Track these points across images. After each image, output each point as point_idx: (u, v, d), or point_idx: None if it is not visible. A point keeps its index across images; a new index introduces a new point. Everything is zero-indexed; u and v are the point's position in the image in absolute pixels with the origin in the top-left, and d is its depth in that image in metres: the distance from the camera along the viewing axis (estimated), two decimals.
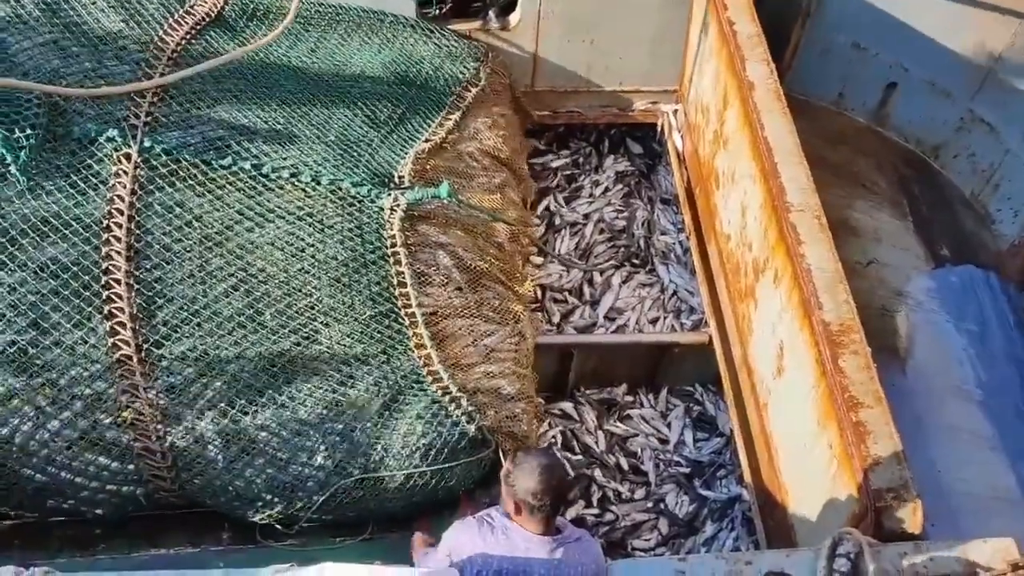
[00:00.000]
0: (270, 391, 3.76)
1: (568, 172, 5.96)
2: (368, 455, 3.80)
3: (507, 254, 4.70)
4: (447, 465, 3.89)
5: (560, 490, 3.02)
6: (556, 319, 5.18)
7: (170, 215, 3.95)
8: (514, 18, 5.41)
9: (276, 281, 3.94)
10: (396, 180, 4.27)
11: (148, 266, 3.83)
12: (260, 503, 3.83)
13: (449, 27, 5.30)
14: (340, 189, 4.19)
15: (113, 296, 3.72)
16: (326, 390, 3.80)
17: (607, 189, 5.87)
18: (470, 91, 5.00)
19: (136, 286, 3.77)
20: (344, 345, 3.88)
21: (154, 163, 4.02)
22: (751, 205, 4.36)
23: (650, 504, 4.75)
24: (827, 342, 3.51)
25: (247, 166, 4.11)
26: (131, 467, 3.72)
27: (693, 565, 3.00)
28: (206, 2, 4.67)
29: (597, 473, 4.82)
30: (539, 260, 5.42)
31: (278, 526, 3.88)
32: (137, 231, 3.88)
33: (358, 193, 4.19)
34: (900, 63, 5.71)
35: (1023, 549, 3.02)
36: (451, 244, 4.34)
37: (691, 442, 4.95)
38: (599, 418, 5.02)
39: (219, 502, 3.87)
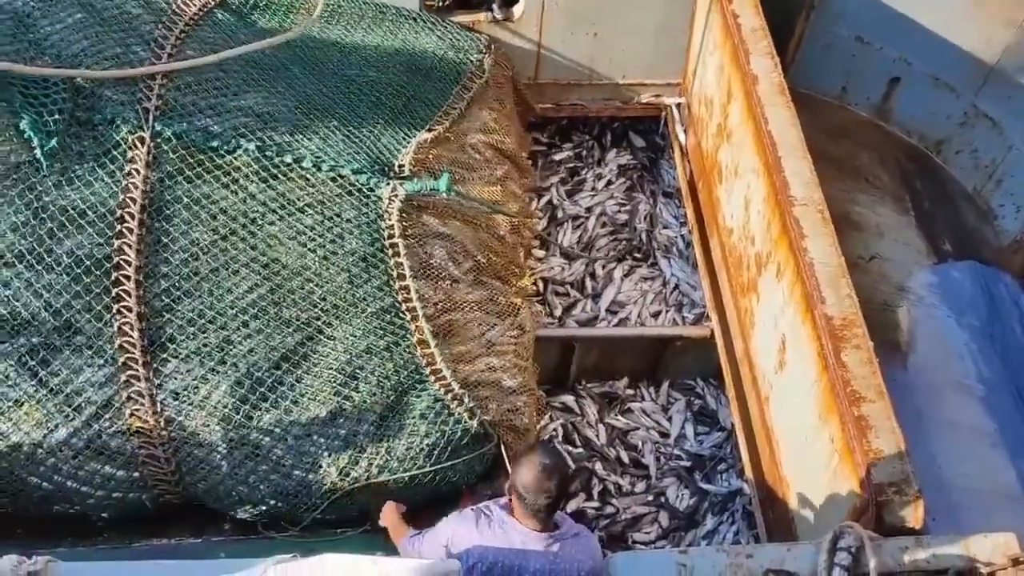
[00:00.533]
0: (275, 396, 3.74)
1: (571, 165, 5.95)
2: (372, 460, 3.80)
3: (508, 246, 4.69)
4: (450, 463, 3.90)
5: (560, 489, 3.03)
6: (558, 312, 5.18)
7: (179, 205, 3.92)
8: (518, 10, 5.40)
9: (283, 275, 3.92)
10: (396, 169, 4.23)
11: (157, 262, 3.81)
12: (264, 507, 3.84)
13: (453, 19, 5.29)
14: (340, 176, 4.15)
15: (123, 294, 3.70)
16: (329, 393, 3.78)
17: (609, 182, 5.86)
18: (474, 82, 4.98)
19: (145, 283, 3.75)
20: (348, 344, 3.86)
21: (165, 147, 3.98)
22: (754, 199, 4.36)
23: (651, 497, 4.75)
24: (829, 336, 3.51)
25: (251, 147, 4.06)
26: (136, 474, 3.74)
27: (694, 558, 2.99)
28: None
29: (598, 466, 4.82)
30: (541, 253, 5.41)
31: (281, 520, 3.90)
32: (149, 222, 3.85)
33: (357, 181, 4.15)
34: (904, 57, 5.70)
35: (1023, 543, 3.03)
36: (451, 236, 4.33)
37: (692, 436, 4.95)
38: (600, 411, 5.02)
39: (222, 504, 3.88)
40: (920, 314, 5.25)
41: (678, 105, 5.80)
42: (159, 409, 3.66)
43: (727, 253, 4.85)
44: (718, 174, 4.99)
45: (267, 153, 4.08)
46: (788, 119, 4.24)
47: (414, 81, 4.80)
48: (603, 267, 5.41)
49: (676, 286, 5.34)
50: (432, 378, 3.89)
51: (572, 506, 4.63)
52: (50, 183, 3.79)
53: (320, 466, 3.77)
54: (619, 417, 5.01)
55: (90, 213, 3.77)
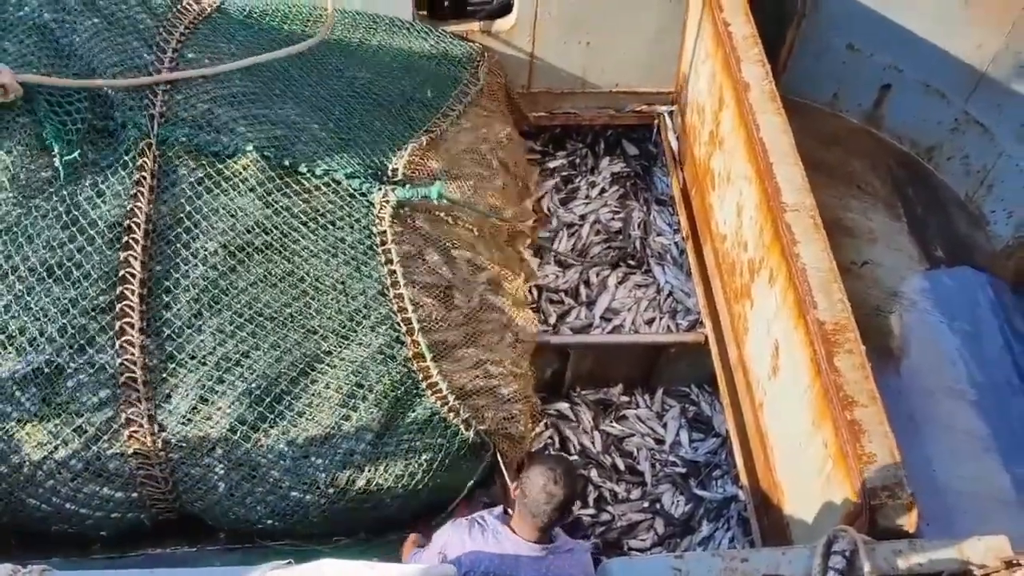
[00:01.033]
0: (273, 416, 3.73)
1: (564, 173, 5.97)
2: (370, 478, 3.80)
3: (502, 253, 4.71)
4: (448, 474, 3.91)
5: (567, 502, 3.05)
6: (552, 320, 5.19)
7: (182, 217, 3.88)
8: (511, 20, 5.43)
9: (282, 292, 3.88)
10: (390, 173, 4.21)
11: (160, 277, 3.78)
12: (260, 525, 3.84)
13: (446, 28, 5.32)
14: (335, 181, 4.12)
15: (127, 309, 3.67)
16: (328, 413, 3.77)
17: (603, 190, 5.88)
18: (468, 89, 5.00)
19: (149, 299, 3.72)
20: (345, 362, 3.84)
21: (169, 154, 3.95)
22: (746, 205, 4.38)
23: (646, 504, 4.76)
24: (822, 341, 3.53)
25: (251, 149, 4.02)
26: (135, 495, 3.74)
27: (689, 563, 3.00)
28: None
29: (593, 473, 4.83)
30: (536, 261, 5.42)
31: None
32: (154, 235, 3.82)
33: (350, 186, 4.12)
34: (894, 64, 5.73)
35: (1017, 547, 3.04)
36: (444, 242, 4.33)
37: (687, 442, 4.96)
38: (595, 418, 5.02)
39: (219, 522, 3.89)
40: (913, 319, 5.27)
41: (670, 113, 5.83)
42: (157, 430, 3.64)
43: (720, 260, 4.87)
44: (711, 181, 5.01)
45: (266, 154, 4.04)
46: (779, 126, 4.26)
47: (408, 87, 4.81)
48: (597, 274, 5.43)
49: (670, 293, 5.36)
50: (428, 391, 3.88)
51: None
52: (65, 193, 3.76)
53: (318, 486, 3.77)
54: (614, 424, 5.02)
55: (100, 223, 3.74)
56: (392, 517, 3.94)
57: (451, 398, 3.88)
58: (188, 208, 3.90)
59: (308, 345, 3.82)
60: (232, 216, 3.90)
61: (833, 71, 5.94)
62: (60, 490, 3.65)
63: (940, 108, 5.69)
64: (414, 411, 3.87)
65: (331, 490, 3.78)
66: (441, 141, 4.63)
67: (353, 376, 3.81)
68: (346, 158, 4.19)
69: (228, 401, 3.68)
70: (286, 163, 4.05)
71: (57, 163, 3.78)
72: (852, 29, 5.68)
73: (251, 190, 3.96)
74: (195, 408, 3.67)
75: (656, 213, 5.77)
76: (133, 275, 3.70)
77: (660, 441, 4.98)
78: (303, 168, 4.08)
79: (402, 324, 3.93)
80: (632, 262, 5.54)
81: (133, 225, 3.76)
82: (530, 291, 5.17)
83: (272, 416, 3.73)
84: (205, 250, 3.83)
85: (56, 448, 3.59)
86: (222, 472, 3.72)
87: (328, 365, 3.82)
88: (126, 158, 3.87)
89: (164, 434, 3.65)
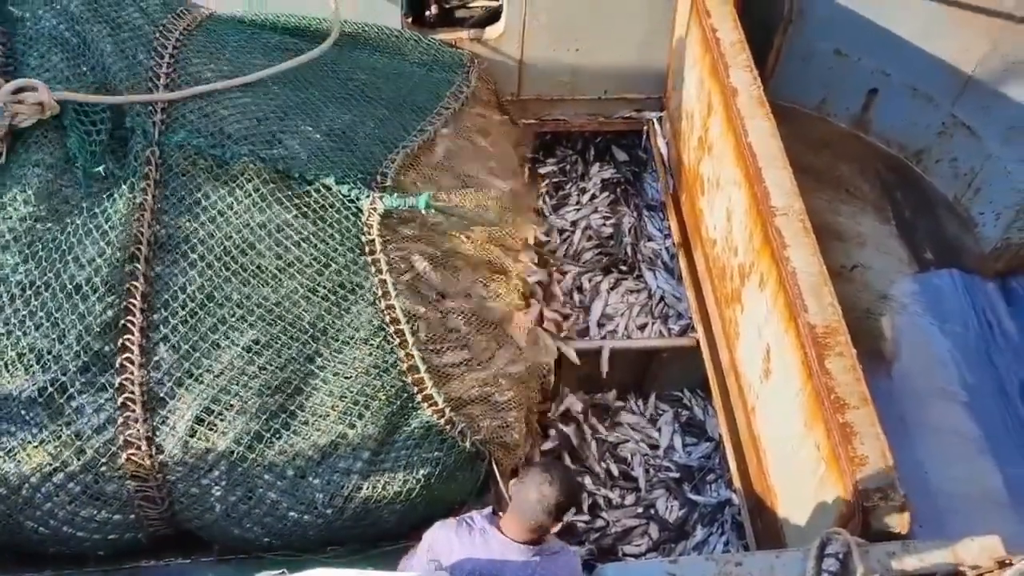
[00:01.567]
0: (269, 435, 3.70)
1: (555, 180, 5.98)
2: (368, 496, 3.78)
3: (495, 260, 4.70)
4: (444, 486, 3.90)
5: (555, 510, 3.03)
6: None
7: (182, 225, 3.84)
8: (499, 28, 5.44)
9: (277, 310, 3.82)
10: (379, 178, 4.17)
11: (160, 291, 3.74)
12: (257, 544, 3.82)
13: (435, 36, 5.33)
14: (325, 187, 4.04)
15: (129, 324, 3.64)
16: (325, 433, 3.74)
17: (593, 196, 5.89)
18: (460, 93, 4.98)
19: (151, 316, 3.69)
20: (341, 381, 3.80)
21: (170, 162, 3.91)
22: (736, 210, 4.40)
23: (640, 509, 4.77)
24: (813, 344, 3.54)
25: (244, 152, 3.98)
26: (132, 517, 3.71)
27: (683, 567, 3.02)
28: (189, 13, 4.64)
29: (587, 479, 4.83)
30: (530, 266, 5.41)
31: None
32: (156, 246, 3.78)
33: (339, 191, 4.05)
34: (882, 69, 5.76)
35: (1009, 548, 3.05)
36: (434, 250, 4.30)
37: (680, 447, 4.97)
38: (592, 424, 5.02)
39: (216, 541, 3.88)
40: (903, 322, 5.29)
41: (660, 119, 5.85)
42: (155, 452, 3.62)
43: (711, 264, 4.89)
44: (700, 186, 5.03)
45: (261, 157, 3.99)
46: (768, 131, 4.28)
47: (399, 92, 4.79)
48: (589, 280, 5.44)
49: (662, 298, 5.37)
50: (424, 404, 3.85)
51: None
52: (84, 206, 3.74)
53: (315, 506, 3.75)
54: (608, 429, 5.03)
55: (111, 235, 3.70)
56: (389, 530, 3.93)
57: (447, 410, 3.84)
58: (187, 219, 3.85)
59: (303, 362, 3.78)
60: (229, 227, 3.86)
61: (820, 76, 5.97)
62: (58, 513, 3.62)
63: (927, 111, 5.72)
64: (410, 425, 3.85)
65: (329, 510, 3.76)
66: (433, 145, 4.60)
67: (348, 392, 3.77)
68: (337, 162, 4.15)
69: (225, 422, 3.65)
70: (280, 167, 4.00)
71: (80, 175, 3.77)
72: (839, 34, 5.71)
73: (247, 198, 3.91)
74: (192, 429, 3.63)
75: (646, 219, 5.78)
76: (136, 290, 3.67)
77: (654, 446, 4.99)
78: (295, 173, 4.04)
79: (395, 336, 3.88)
80: (624, 267, 5.55)
81: (139, 237, 3.74)
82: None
83: (268, 436, 3.70)
84: (203, 263, 3.79)
85: (56, 470, 3.56)
86: (219, 494, 3.70)
87: (322, 382, 3.78)
88: (136, 164, 3.84)
89: (162, 456, 3.62)
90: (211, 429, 3.64)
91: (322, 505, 3.75)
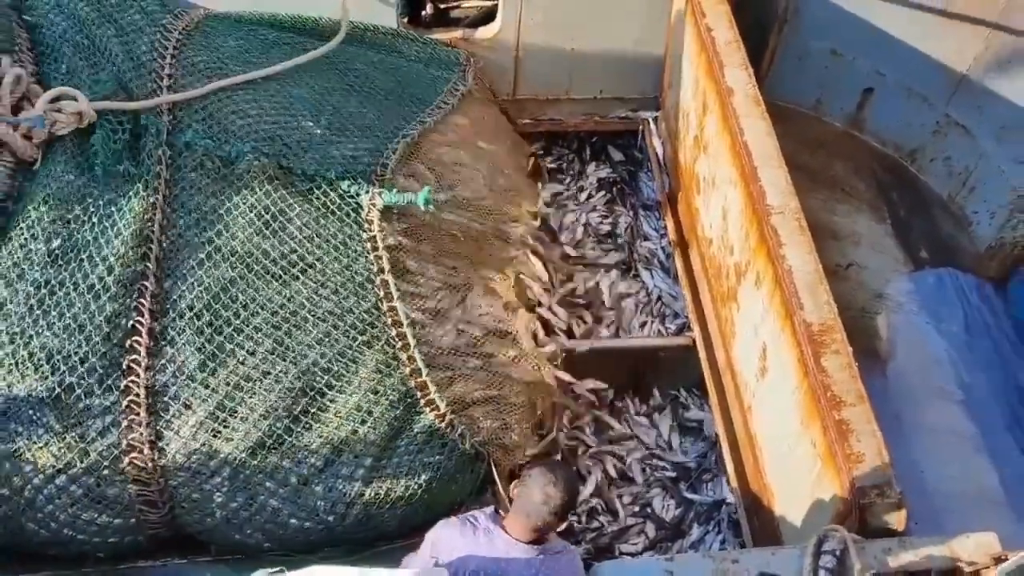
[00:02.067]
0: (271, 441, 3.69)
1: (551, 179, 5.97)
2: (370, 503, 3.78)
3: (495, 257, 4.70)
4: (444, 488, 3.91)
5: (559, 510, 3.04)
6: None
7: (189, 226, 3.84)
8: (495, 27, 5.45)
9: (283, 313, 3.81)
10: (379, 171, 4.17)
11: (168, 291, 3.74)
12: (258, 550, 3.82)
13: (431, 36, 5.33)
14: (326, 182, 4.05)
15: (137, 325, 3.64)
16: (328, 440, 3.74)
17: (590, 196, 5.89)
18: (457, 89, 4.99)
19: (160, 319, 3.69)
20: (345, 388, 3.79)
21: (179, 161, 3.92)
22: (732, 209, 4.40)
23: (637, 509, 4.76)
24: (809, 342, 3.55)
25: (249, 151, 3.98)
26: (132, 520, 3.70)
27: (680, 565, 3.02)
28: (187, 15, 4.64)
29: (589, 480, 4.81)
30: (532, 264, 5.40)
31: None
32: (167, 244, 3.79)
33: (339, 186, 4.05)
34: (876, 68, 5.78)
35: (1006, 545, 3.06)
36: (434, 248, 4.30)
37: (677, 446, 4.96)
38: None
39: (217, 546, 3.88)
40: (898, 321, 5.30)
41: (655, 118, 5.86)
42: (157, 456, 3.61)
43: (707, 263, 4.90)
44: (696, 186, 5.04)
45: (265, 152, 3.99)
46: (764, 130, 4.29)
47: (397, 87, 4.79)
48: (584, 281, 5.43)
49: (658, 297, 5.37)
50: (427, 408, 3.85)
51: None
52: (101, 203, 3.74)
53: (317, 513, 3.75)
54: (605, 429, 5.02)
55: (124, 232, 3.71)
56: (388, 533, 3.93)
57: (448, 413, 3.84)
58: (196, 217, 3.85)
59: (308, 366, 3.76)
60: (236, 226, 3.86)
61: (816, 76, 5.99)
62: (59, 516, 3.62)
63: (922, 111, 5.74)
64: (412, 430, 3.84)
65: (330, 517, 3.76)
66: (432, 140, 4.59)
67: (352, 398, 3.77)
68: (338, 157, 4.14)
69: (229, 428, 3.65)
70: (283, 164, 4.00)
71: (100, 174, 3.78)
72: (834, 34, 5.73)
73: (253, 196, 3.91)
74: (196, 434, 3.63)
75: (643, 218, 5.78)
76: (146, 290, 3.67)
77: (650, 445, 4.98)
78: (298, 170, 4.03)
79: (397, 339, 3.88)
80: (622, 266, 5.55)
81: (151, 236, 3.74)
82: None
83: (271, 442, 3.69)
84: (211, 263, 3.79)
85: (59, 472, 3.56)
86: (221, 500, 3.70)
87: (327, 387, 3.77)
88: (148, 163, 3.85)
89: (164, 460, 3.62)
90: (215, 435, 3.64)
91: (324, 512, 3.75)
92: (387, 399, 3.81)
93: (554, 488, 3.00)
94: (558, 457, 4.63)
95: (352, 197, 4.03)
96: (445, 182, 4.55)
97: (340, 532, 3.81)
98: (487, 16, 5.53)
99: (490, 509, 3.22)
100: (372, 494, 3.78)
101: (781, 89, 5.87)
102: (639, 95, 5.86)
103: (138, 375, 3.59)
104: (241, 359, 3.70)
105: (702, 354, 4.88)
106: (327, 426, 3.74)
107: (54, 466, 3.54)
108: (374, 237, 3.98)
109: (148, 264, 3.70)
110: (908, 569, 3.00)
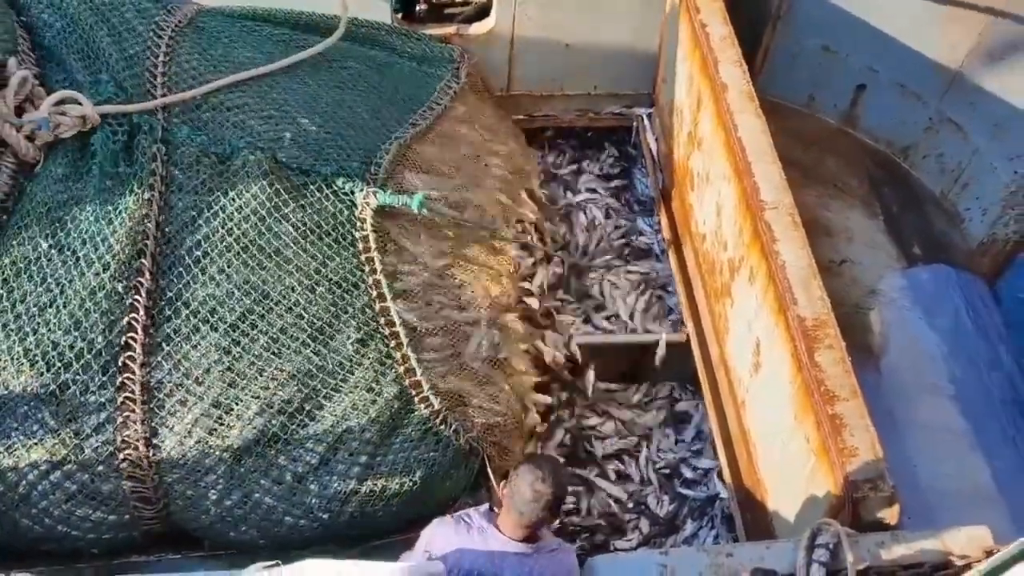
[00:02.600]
0: (266, 439, 3.69)
1: (545, 175, 5.97)
2: (365, 500, 3.78)
3: (489, 255, 4.69)
4: (438, 484, 3.91)
5: (551, 505, 3.05)
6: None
7: (185, 222, 3.84)
8: (489, 23, 5.44)
9: (277, 311, 3.80)
10: (372, 170, 4.16)
11: (164, 288, 3.74)
12: (253, 547, 3.80)
13: (425, 31, 5.33)
14: (321, 179, 4.05)
15: (133, 322, 3.63)
16: (323, 438, 3.74)
17: (584, 191, 5.88)
18: (452, 85, 4.98)
19: (155, 315, 3.69)
20: (339, 387, 3.79)
21: (174, 157, 3.91)
22: (725, 205, 4.41)
23: (631, 504, 4.77)
24: (802, 337, 3.56)
25: (244, 149, 3.98)
26: (127, 517, 3.70)
27: (674, 559, 3.03)
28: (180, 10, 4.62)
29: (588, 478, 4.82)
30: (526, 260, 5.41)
31: None
32: (163, 242, 3.79)
33: (334, 183, 4.05)
34: (869, 65, 5.79)
35: (998, 539, 3.07)
36: (426, 246, 4.29)
37: (672, 442, 4.96)
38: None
39: (212, 542, 3.87)
40: (891, 317, 5.31)
41: (649, 115, 5.86)
42: (152, 453, 3.61)
43: (701, 259, 4.90)
44: (690, 182, 5.05)
45: (259, 147, 3.99)
46: (758, 126, 4.30)
47: (391, 84, 4.79)
48: (578, 275, 5.43)
49: (652, 293, 5.36)
50: (420, 406, 3.85)
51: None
52: (98, 201, 3.75)
53: (312, 512, 3.75)
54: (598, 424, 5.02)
55: (120, 230, 3.70)
56: (382, 529, 3.93)
57: (443, 410, 3.84)
58: (192, 214, 3.85)
59: (303, 363, 3.76)
60: (232, 223, 3.85)
61: (809, 72, 6.00)
62: (53, 512, 3.62)
63: (915, 108, 5.75)
64: (407, 427, 3.85)
65: (325, 515, 3.77)
66: (425, 139, 4.59)
67: (347, 397, 3.77)
68: (332, 155, 4.14)
69: (224, 426, 3.65)
70: (278, 159, 4.00)
71: (96, 172, 3.78)
72: (827, 31, 5.74)
73: (248, 192, 3.90)
74: (191, 431, 3.63)
75: (637, 214, 5.78)
76: (142, 286, 3.66)
77: (645, 441, 4.98)
78: (293, 165, 4.03)
79: (391, 338, 3.88)
80: (617, 262, 5.55)
81: (147, 234, 3.74)
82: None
83: (267, 440, 3.69)
84: (207, 261, 3.78)
85: (54, 467, 3.56)
86: (215, 497, 3.70)
87: (321, 385, 3.77)
88: (142, 160, 3.85)
89: (159, 457, 3.62)
90: (210, 432, 3.64)
91: (318, 510, 3.76)
92: (382, 397, 3.81)
93: (543, 484, 3.00)
94: (561, 437, 4.64)
95: (346, 195, 4.03)
96: (438, 181, 4.54)
97: (335, 529, 3.81)
98: (481, 12, 5.52)
99: (484, 507, 3.23)
100: (367, 491, 3.78)
101: (775, 85, 5.88)
102: (633, 91, 5.86)
103: (134, 372, 3.58)
104: (236, 356, 3.70)
105: (696, 350, 4.89)
106: (322, 424, 3.74)
107: (49, 462, 3.54)
108: (367, 236, 3.98)
109: (144, 261, 3.69)
110: (901, 563, 3.02)
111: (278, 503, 3.74)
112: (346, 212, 4.01)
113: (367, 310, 3.91)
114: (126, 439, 3.58)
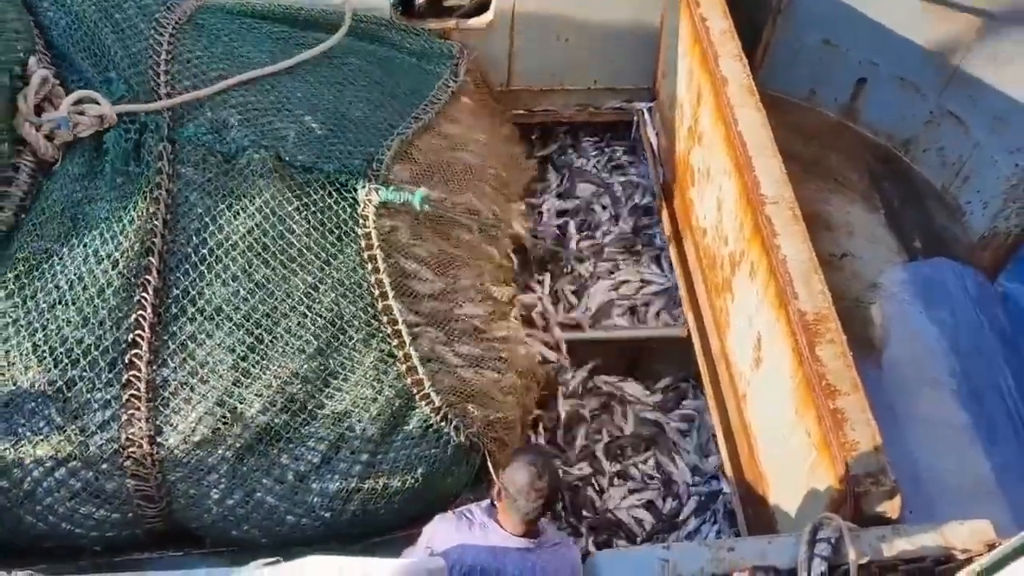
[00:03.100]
0: (269, 437, 3.71)
1: (545, 170, 5.96)
2: (367, 498, 3.79)
3: (487, 253, 4.69)
4: (440, 480, 3.91)
5: (546, 496, 3.05)
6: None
7: (191, 221, 3.84)
8: (488, 17, 5.43)
9: (279, 297, 3.80)
10: (374, 167, 4.15)
11: (171, 286, 3.74)
12: (255, 545, 3.80)
13: (424, 27, 5.31)
14: (323, 175, 4.04)
15: (140, 319, 3.63)
16: (325, 438, 3.74)
17: (584, 185, 5.87)
18: (450, 84, 4.97)
19: (162, 315, 3.68)
20: (341, 385, 3.80)
21: (181, 155, 3.92)
22: (726, 199, 4.41)
23: (636, 501, 4.75)
24: (803, 331, 3.56)
25: (247, 143, 3.98)
26: (130, 516, 3.71)
27: (676, 553, 3.03)
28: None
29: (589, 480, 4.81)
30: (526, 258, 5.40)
31: None
32: (170, 240, 3.79)
33: (337, 180, 4.05)
34: (870, 59, 5.78)
35: (1000, 532, 3.07)
36: (427, 245, 4.30)
37: (677, 437, 4.95)
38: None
39: (214, 541, 3.88)
40: (892, 311, 5.30)
41: (649, 109, 5.85)
42: (156, 451, 3.61)
43: (701, 254, 4.90)
44: (691, 176, 5.04)
45: (264, 145, 3.99)
46: (758, 120, 4.29)
47: (391, 80, 4.78)
48: (572, 270, 5.43)
49: (653, 288, 5.36)
50: (422, 403, 3.85)
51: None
52: (110, 197, 3.75)
53: (313, 510, 3.76)
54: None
55: (128, 228, 3.71)
56: (384, 526, 3.94)
57: (443, 407, 3.84)
58: (199, 212, 3.85)
59: (306, 361, 3.76)
60: (238, 221, 3.85)
61: (809, 66, 5.99)
62: (57, 509, 3.62)
63: (915, 101, 5.74)
64: (408, 425, 3.85)
65: (327, 514, 3.77)
66: (425, 136, 4.58)
67: (348, 395, 3.78)
68: (334, 152, 4.14)
69: (227, 424, 3.65)
70: (282, 157, 4.00)
71: (108, 171, 3.80)
72: (827, 24, 5.73)
73: (253, 189, 3.91)
74: (194, 430, 3.63)
75: (637, 209, 5.77)
76: (149, 284, 3.67)
77: (646, 437, 4.98)
78: (297, 163, 4.03)
79: (393, 337, 3.88)
80: (617, 257, 5.54)
81: (154, 231, 3.74)
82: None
83: (268, 438, 3.70)
84: (212, 259, 3.78)
85: (59, 464, 3.56)
86: (218, 496, 3.71)
87: (324, 384, 3.78)
88: (149, 159, 3.86)
89: (162, 455, 3.62)
90: (213, 431, 3.64)
91: (320, 509, 3.76)
92: (383, 396, 3.81)
93: (540, 480, 3.01)
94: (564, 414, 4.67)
95: (349, 192, 4.03)
96: (438, 179, 4.54)
97: (337, 528, 3.82)
98: (480, 6, 5.51)
99: (486, 503, 3.23)
100: (369, 490, 3.78)
101: (775, 79, 5.87)
102: (633, 86, 5.85)
103: (140, 369, 3.59)
104: (241, 355, 3.70)
105: (697, 344, 4.88)
106: (324, 422, 3.75)
107: (54, 459, 3.55)
108: (369, 234, 3.97)
109: (152, 259, 3.70)
110: (902, 557, 3.02)
111: (280, 502, 3.74)
112: (348, 210, 4.01)
113: (369, 309, 3.91)
114: (131, 437, 3.58)
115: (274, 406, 3.69)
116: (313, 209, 3.98)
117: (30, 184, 3.79)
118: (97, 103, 3.82)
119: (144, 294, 3.65)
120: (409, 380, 3.85)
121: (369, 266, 3.96)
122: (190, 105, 4.05)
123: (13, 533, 3.67)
